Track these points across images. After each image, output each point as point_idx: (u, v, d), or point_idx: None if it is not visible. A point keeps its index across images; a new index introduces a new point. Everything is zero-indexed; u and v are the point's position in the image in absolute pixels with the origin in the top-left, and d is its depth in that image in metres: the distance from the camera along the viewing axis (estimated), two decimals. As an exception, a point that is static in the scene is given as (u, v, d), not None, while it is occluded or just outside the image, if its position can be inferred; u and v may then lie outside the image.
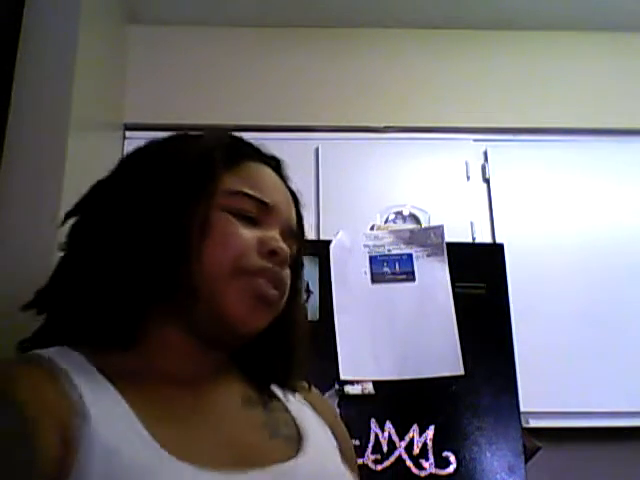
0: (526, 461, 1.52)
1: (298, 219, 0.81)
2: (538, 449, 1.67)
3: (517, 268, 1.71)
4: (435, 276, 1.63)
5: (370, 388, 1.52)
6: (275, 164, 0.81)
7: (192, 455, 0.61)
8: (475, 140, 2.29)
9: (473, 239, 2.11)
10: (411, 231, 1.72)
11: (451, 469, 1.48)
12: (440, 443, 1.49)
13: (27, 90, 1.56)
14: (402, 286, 1.61)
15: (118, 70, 2.23)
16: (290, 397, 0.80)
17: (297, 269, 0.79)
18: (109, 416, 0.61)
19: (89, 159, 1.80)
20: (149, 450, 0.60)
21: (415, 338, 1.58)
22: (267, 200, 0.74)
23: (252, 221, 0.73)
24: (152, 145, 0.78)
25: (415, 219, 2.03)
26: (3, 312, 1.40)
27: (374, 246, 1.68)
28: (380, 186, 2.16)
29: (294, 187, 0.83)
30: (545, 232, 2.15)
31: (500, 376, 1.55)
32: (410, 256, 1.65)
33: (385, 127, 2.29)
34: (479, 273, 1.65)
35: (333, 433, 0.80)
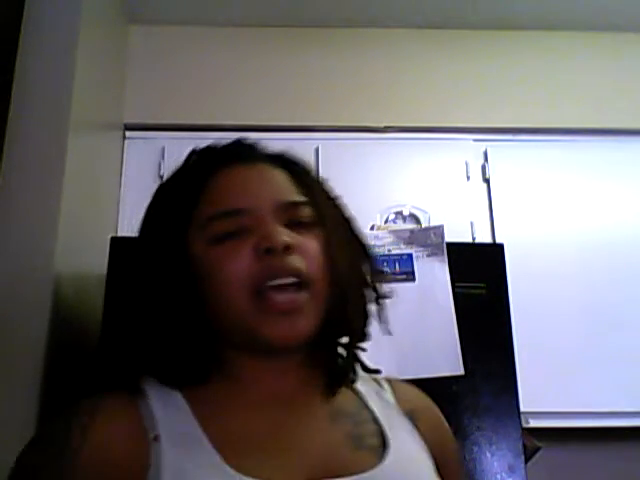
0: (526, 461, 1.52)
1: (299, 178, 0.77)
2: (538, 449, 1.67)
3: (517, 268, 1.70)
4: (435, 276, 1.63)
5: (370, 388, 1.52)
6: (241, 153, 0.78)
7: (262, 474, 0.63)
8: (475, 140, 2.29)
9: (473, 239, 2.11)
10: (411, 231, 1.72)
11: (451, 469, 1.47)
12: (440, 443, 1.49)
13: (27, 90, 1.56)
14: (402, 286, 1.61)
15: (118, 70, 2.23)
16: (378, 396, 0.78)
17: (325, 225, 0.74)
18: (181, 438, 0.65)
19: (89, 159, 1.80)
20: (218, 471, 0.62)
21: (415, 338, 1.57)
22: (237, 205, 0.71)
23: (237, 235, 0.70)
24: (146, 210, 0.81)
25: (415, 219, 2.03)
26: (3, 312, 1.40)
27: (374, 246, 1.68)
28: (380, 186, 2.16)
29: (274, 152, 0.79)
30: (545, 232, 2.15)
31: (500, 376, 1.54)
32: (410, 256, 1.65)
33: (385, 127, 2.29)
34: (479, 273, 1.65)
35: (425, 438, 0.76)
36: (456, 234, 1.83)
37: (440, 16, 2.37)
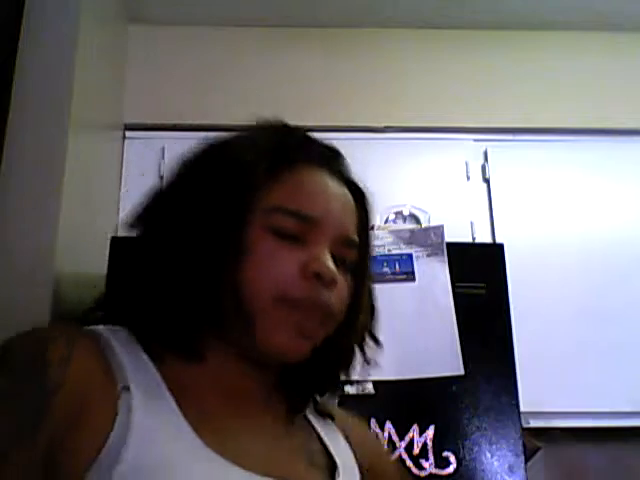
0: (526, 461, 1.52)
1: (361, 218, 0.76)
2: (538, 449, 1.67)
3: (517, 268, 1.70)
4: (435, 276, 1.63)
5: (370, 388, 1.52)
6: (332, 162, 0.76)
7: (230, 453, 0.62)
8: (475, 140, 2.29)
9: (473, 239, 2.11)
10: (411, 231, 1.72)
11: (451, 469, 1.47)
12: (440, 443, 1.49)
13: (27, 90, 1.56)
14: (402, 286, 1.61)
15: (118, 70, 2.23)
16: (323, 425, 0.78)
17: (359, 275, 0.73)
18: (150, 399, 0.62)
19: (89, 159, 1.80)
20: (185, 437, 0.61)
21: (415, 338, 1.57)
22: (311, 213, 0.69)
23: (296, 239, 0.68)
24: (200, 153, 0.75)
25: (415, 219, 2.03)
26: (3, 312, 1.40)
27: (374, 246, 1.68)
28: (380, 186, 2.14)
29: (357, 180, 0.78)
30: (545, 232, 2.15)
31: (500, 376, 1.55)
32: (410, 256, 1.65)
33: (385, 127, 2.29)
34: (479, 273, 1.65)
35: (354, 451, 0.78)
36: (456, 234, 1.83)
37: (440, 16, 2.37)
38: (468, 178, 2.23)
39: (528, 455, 1.58)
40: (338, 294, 0.69)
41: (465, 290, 1.60)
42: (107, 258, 1.52)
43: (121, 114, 2.23)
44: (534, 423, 1.83)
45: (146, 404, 0.61)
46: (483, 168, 2.25)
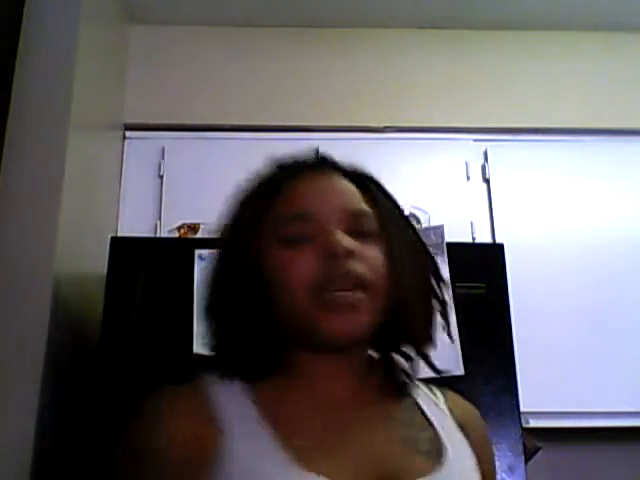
0: (526, 461, 1.52)
1: (368, 191, 0.81)
2: (538, 449, 1.67)
3: (517, 268, 1.70)
4: (435, 276, 1.62)
5: (370, 388, 1.52)
6: (321, 166, 0.82)
7: (327, 471, 0.65)
8: (475, 140, 2.29)
9: (473, 239, 2.11)
10: (411, 231, 1.72)
11: (451, 469, 1.47)
12: (440, 443, 1.49)
13: (27, 90, 1.56)
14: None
15: (118, 70, 2.23)
16: (435, 404, 0.80)
17: (391, 237, 0.77)
18: (246, 432, 0.68)
19: (89, 159, 1.80)
20: (279, 462, 0.65)
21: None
22: (307, 209, 0.75)
23: (306, 240, 0.73)
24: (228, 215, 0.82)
25: (415, 219, 2.03)
26: (3, 312, 1.40)
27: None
28: (380, 186, 2.15)
29: (351, 166, 0.84)
30: (545, 232, 2.15)
31: (500, 376, 1.54)
32: (410, 256, 1.64)
33: (385, 127, 2.29)
34: (479, 273, 1.65)
35: (475, 452, 0.78)
36: (456, 234, 1.83)
37: (440, 16, 2.37)
38: (468, 178, 2.23)
39: (528, 455, 1.58)
40: (365, 260, 0.73)
41: (465, 290, 1.60)
42: (107, 258, 1.52)
43: (121, 114, 2.23)
44: (534, 423, 1.83)
45: (240, 443, 0.67)
46: (483, 168, 2.25)
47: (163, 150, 2.18)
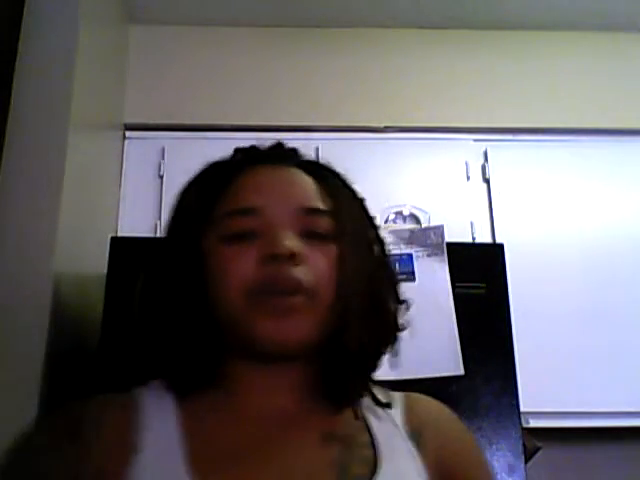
0: (526, 461, 1.52)
1: (326, 186, 0.74)
2: (538, 449, 1.67)
3: (517, 268, 1.70)
4: (435, 276, 1.62)
5: (370, 388, 1.52)
6: (275, 156, 0.77)
7: None
8: (475, 140, 2.29)
9: (473, 239, 2.11)
10: (411, 231, 1.72)
11: (451, 469, 1.47)
12: (440, 443, 1.49)
13: (27, 90, 1.55)
14: (402, 286, 1.61)
15: (118, 70, 2.23)
16: (385, 418, 0.74)
17: (346, 240, 0.71)
18: (160, 454, 0.64)
19: (89, 159, 1.80)
20: None
21: (415, 338, 1.57)
22: (253, 204, 0.70)
23: (252, 236, 0.69)
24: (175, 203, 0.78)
25: (415, 219, 2.03)
26: (3, 312, 1.40)
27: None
28: (380, 186, 2.15)
29: (308, 158, 0.78)
30: (545, 232, 2.15)
31: (500, 376, 1.54)
32: (410, 256, 1.64)
33: (385, 127, 2.29)
34: (479, 273, 1.64)
35: (429, 462, 0.71)
36: (456, 234, 1.83)
37: (440, 16, 2.37)
38: (468, 178, 2.23)
39: (528, 455, 1.58)
40: (310, 265, 0.68)
41: (465, 290, 1.60)
42: (107, 258, 1.52)
43: (121, 114, 2.23)
44: (534, 423, 1.83)
45: (152, 465, 0.63)
46: (483, 168, 2.25)
47: (163, 150, 2.18)
